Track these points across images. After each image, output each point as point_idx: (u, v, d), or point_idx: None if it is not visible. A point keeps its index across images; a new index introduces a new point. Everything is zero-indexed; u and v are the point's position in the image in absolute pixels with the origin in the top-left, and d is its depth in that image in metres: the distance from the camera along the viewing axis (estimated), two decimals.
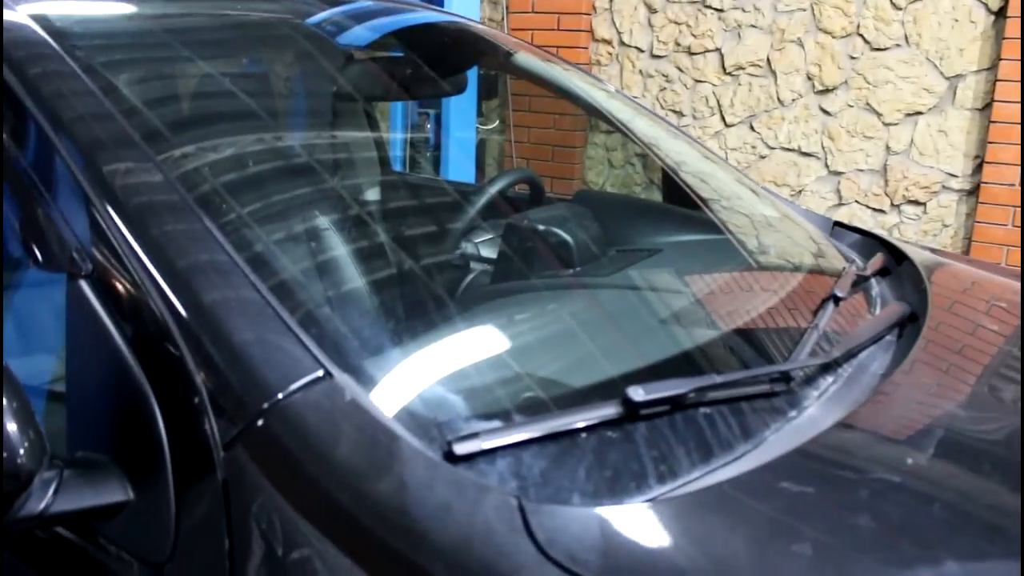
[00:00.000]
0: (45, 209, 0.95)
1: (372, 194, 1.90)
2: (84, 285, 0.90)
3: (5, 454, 0.76)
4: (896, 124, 3.46)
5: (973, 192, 3.36)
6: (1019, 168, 3.18)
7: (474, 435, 0.80)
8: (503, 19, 4.17)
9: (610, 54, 4.07)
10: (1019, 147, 3.17)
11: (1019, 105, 3.15)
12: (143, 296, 0.87)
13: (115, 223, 0.91)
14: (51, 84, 1.01)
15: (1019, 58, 3.13)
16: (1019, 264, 3.16)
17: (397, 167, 2.67)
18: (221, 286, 0.89)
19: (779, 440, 0.91)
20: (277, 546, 0.77)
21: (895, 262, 1.55)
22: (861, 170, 3.57)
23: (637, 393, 0.86)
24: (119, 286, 0.89)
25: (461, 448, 0.78)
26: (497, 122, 4.19)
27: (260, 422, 0.79)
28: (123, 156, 0.98)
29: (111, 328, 0.88)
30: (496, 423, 0.84)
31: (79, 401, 0.93)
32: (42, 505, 0.81)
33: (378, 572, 0.72)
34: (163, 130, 1.12)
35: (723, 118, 3.84)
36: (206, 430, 0.81)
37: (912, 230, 3.50)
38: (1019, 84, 3.14)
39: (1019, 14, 3.11)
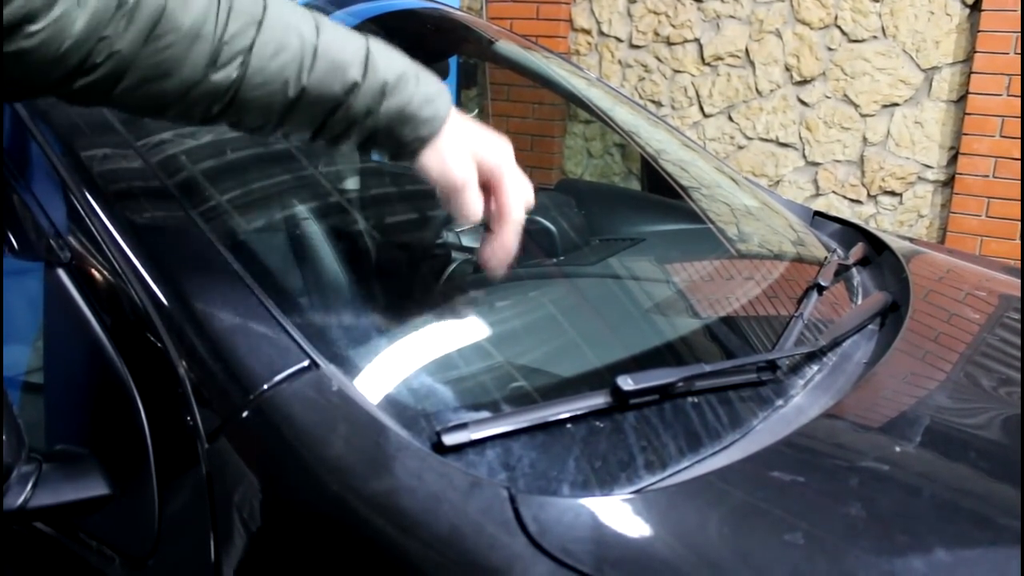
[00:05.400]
0: (21, 196, 0.92)
1: (352, 183, 1.88)
2: (62, 274, 0.88)
3: None
4: (873, 115, 3.49)
5: (948, 183, 3.40)
6: (994, 160, 3.22)
7: (463, 425, 0.79)
8: (482, 7, 4.14)
9: (589, 44, 4.06)
10: (993, 139, 3.20)
11: (993, 97, 3.18)
12: (123, 285, 0.85)
13: (94, 210, 0.89)
14: None
15: (994, 51, 3.16)
16: (993, 254, 3.20)
17: (376, 155, 2.65)
18: (203, 274, 0.87)
19: (767, 429, 0.91)
20: (262, 539, 0.76)
21: (875, 252, 1.56)
22: (838, 161, 3.59)
23: (626, 383, 0.86)
24: (98, 275, 0.87)
25: (450, 439, 0.77)
26: (476, 111, 4.17)
27: (245, 413, 0.78)
28: (102, 141, 0.96)
29: (90, 318, 0.86)
30: (485, 413, 0.83)
31: (58, 393, 0.91)
32: (20, 500, 0.79)
33: (367, 565, 0.71)
34: None
35: (702, 108, 3.85)
36: (189, 422, 0.80)
37: (888, 220, 3.53)
38: (993, 76, 3.17)
39: (994, 8, 3.14)
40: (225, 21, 0.71)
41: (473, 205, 0.83)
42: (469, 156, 0.82)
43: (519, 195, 0.86)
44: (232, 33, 0.71)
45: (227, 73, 0.72)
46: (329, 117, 0.77)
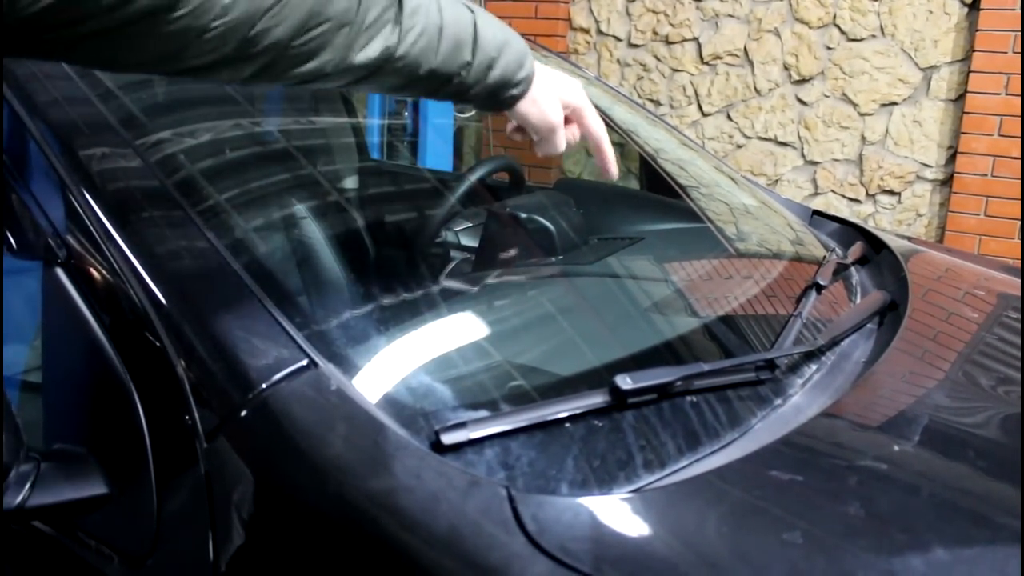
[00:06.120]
0: (20, 195, 0.92)
1: (351, 181, 1.88)
2: (60, 273, 0.88)
3: None
4: (871, 114, 3.49)
5: (947, 182, 3.40)
6: (992, 159, 3.22)
7: (461, 424, 0.79)
8: (481, 6, 4.14)
9: (588, 43, 4.06)
10: (992, 138, 3.20)
11: (992, 96, 3.18)
12: (122, 284, 0.85)
13: (92, 209, 0.88)
14: (25, 66, 0.99)
15: (992, 50, 3.16)
16: (992, 253, 3.20)
17: (375, 154, 2.65)
18: (202, 274, 0.87)
19: (766, 428, 0.91)
20: (261, 539, 0.76)
21: (874, 251, 1.56)
22: (837, 160, 3.59)
23: (625, 382, 0.86)
24: (97, 274, 0.87)
25: (448, 438, 0.77)
26: (474, 111, 4.16)
27: (243, 412, 0.78)
28: (100, 140, 0.95)
29: (89, 317, 0.86)
30: (483, 412, 0.83)
31: (56, 392, 0.91)
32: (18, 499, 0.79)
33: (366, 565, 0.71)
34: (140, 114, 1.10)
35: (700, 107, 3.84)
36: (188, 421, 0.80)
37: (887, 219, 3.53)
38: (992, 75, 3.17)
39: (993, 7, 3.14)
40: (368, 6, 0.75)
41: (564, 141, 0.95)
42: (558, 100, 0.93)
43: (598, 119, 0.97)
44: (373, 18, 0.75)
45: (367, 55, 0.75)
46: (441, 87, 0.84)
